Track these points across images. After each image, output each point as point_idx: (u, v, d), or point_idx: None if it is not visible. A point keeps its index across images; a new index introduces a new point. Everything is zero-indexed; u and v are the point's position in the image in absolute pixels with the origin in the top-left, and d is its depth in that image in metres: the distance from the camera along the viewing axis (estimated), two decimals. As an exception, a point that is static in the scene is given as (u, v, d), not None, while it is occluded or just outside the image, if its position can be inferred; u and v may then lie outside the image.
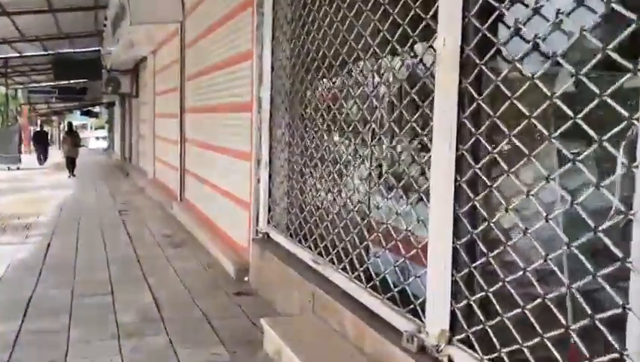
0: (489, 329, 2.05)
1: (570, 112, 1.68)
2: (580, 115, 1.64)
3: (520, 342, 1.91)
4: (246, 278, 4.81)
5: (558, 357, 1.77)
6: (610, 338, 1.60)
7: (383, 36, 2.77)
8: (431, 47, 2.42)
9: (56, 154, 23.57)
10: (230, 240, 5.64)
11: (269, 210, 4.51)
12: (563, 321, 1.74)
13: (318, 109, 3.68)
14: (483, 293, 2.09)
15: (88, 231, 7.29)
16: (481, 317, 2.10)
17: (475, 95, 2.12)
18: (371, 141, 3.07)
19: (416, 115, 2.52)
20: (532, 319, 1.86)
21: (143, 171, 13.70)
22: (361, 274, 2.99)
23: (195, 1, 7.40)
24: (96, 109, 34.09)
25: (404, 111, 2.65)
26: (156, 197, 10.16)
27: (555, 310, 1.77)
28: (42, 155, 22.08)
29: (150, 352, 3.34)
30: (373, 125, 3.02)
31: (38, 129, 25.64)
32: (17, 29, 12.35)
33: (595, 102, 1.59)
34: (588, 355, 1.65)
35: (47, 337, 3.57)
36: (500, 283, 1.99)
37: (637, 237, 1.51)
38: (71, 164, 16.48)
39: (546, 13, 1.89)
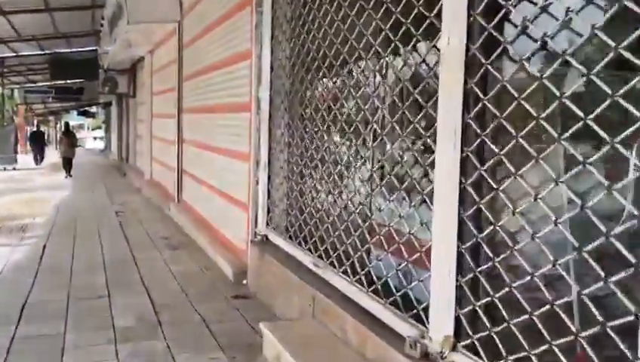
0: (495, 336, 2.00)
1: (580, 113, 1.62)
2: (591, 116, 1.58)
3: (527, 348, 1.86)
4: (244, 281, 4.75)
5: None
6: (622, 346, 1.54)
7: (385, 35, 2.72)
8: (434, 46, 2.37)
9: (52, 155, 23.45)
10: (228, 243, 5.59)
11: (268, 212, 4.45)
12: (573, 329, 1.69)
13: (318, 110, 3.62)
14: (489, 299, 2.03)
15: (85, 233, 7.22)
16: (487, 323, 2.04)
17: (481, 95, 2.07)
18: (373, 142, 3.02)
19: (420, 115, 2.46)
20: (540, 325, 1.81)
21: (140, 172, 13.63)
22: (363, 278, 2.93)
23: (192, 1, 7.34)
24: (93, 109, 34.03)
25: (406, 112, 2.59)
26: (153, 198, 10.10)
27: (564, 317, 1.72)
28: (39, 156, 22.00)
29: (147, 357, 3.28)
30: (375, 126, 2.97)
31: (35, 129, 25.52)
32: (14, 29, 12.27)
33: (607, 102, 1.53)
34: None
35: (43, 342, 3.51)
36: (507, 289, 1.94)
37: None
38: (67, 164, 16.41)
39: (554, 12, 1.85)
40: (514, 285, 1.91)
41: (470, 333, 2.12)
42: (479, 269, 2.09)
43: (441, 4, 2.26)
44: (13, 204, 10.04)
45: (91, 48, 15.71)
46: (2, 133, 20.70)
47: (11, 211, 9.12)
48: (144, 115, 12.82)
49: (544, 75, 1.76)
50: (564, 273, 1.75)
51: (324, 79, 3.67)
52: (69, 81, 19.94)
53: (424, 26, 2.41)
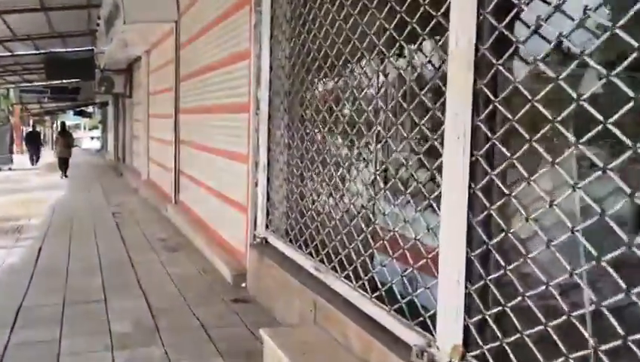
0: (506, 346, 1.93)
1: (599, 116, 1.55)
2: (611, 120, 1.52)
3: (541, 360, 1.79)
4: (243, 284, 4.67)
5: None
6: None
7: (390, 35, 2.64)
8: (441, 46, 2.30)
9: (48, 155, 23.34)
10: (227, 245, 5.51)
11: (268, 215, 4.37)
12: (591, 342, 1.62)
13: (319, 111, 3.55)
14: (500, 308, 1.96)
15: (81, 234, 7.13)
16: (498, 333, 1.97)
17: (492, 97, 2.00)
18: (376, 144, 2.95)
19: (426, 117, 2.39)
20: (555, 337, 1.74)
21: (136, 172, 13.53)
22: (366, 283, 2.86)
23: (190, 0, 7.25)
24: (90, 109, 33.83)
25: (412, 113, 2.52)
26: (150, 198, 10.02)
27: (581, 329, 1.65)
28: (34, 156, 21.88)
29: (145, 364, 3.21)
30: (379, 127, 2.89)
31: (31, 129, 25.39)
32: (9, 28, 12.14)
33: (631, 104, 1.46)
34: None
35: (38, 349, 3.43)
36: (520, 298, 1.87)
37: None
38: (64, 164, 16.30)
39: (569, 10, 1.78)
40: (527, 294, 1.84)
41: (480, 343, 2.05)
42: (490, 277, 2.02)
43: (449, 3, 2.19)
44: (9, 205, 9.94)
45: (87, 48, 15.58)
46: (-2, 133, 20.60)
47: (6, 212, 9.02)
48: (141, 115, 12.72)
49: (560, 76, 1.69)
50: (580, 282, 1.68)
51: (325, 79, 3.59)
52: (65, 81, 19.80)
53: (431, 25, 2.34)
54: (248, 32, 4.73)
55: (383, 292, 2.69)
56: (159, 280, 5.00)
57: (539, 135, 1.78)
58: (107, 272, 5.22)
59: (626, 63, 1.48)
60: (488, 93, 2.01)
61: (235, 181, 5.20)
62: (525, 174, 1.85)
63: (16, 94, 25.92)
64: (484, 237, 2.05)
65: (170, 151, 8.48)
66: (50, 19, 11.83)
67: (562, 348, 1.71)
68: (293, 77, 4.02)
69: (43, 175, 16.86)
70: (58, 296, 4.45)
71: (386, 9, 2.68)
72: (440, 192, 2.25)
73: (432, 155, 2.40)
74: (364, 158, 3.15)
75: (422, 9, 2.40)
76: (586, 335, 1.64)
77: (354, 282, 2.97)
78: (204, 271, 5.28)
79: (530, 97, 1.81)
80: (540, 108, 1.77)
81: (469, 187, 2.08)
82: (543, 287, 1.80)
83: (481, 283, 2.06)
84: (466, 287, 2.11)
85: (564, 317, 1.70)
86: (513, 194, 1.91)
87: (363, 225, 2.98)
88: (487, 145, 2.03)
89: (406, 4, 2.53)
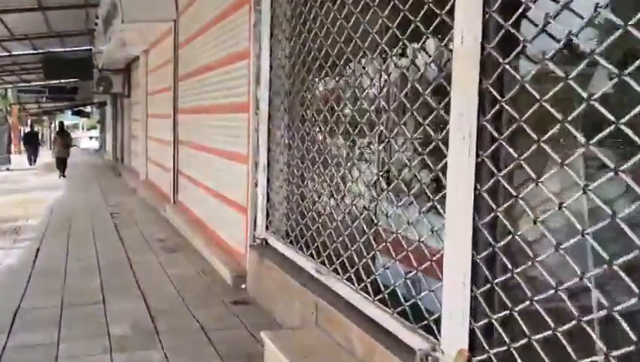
0: (514, 351, 1.89)
1: (611, 117, 1.52)
2: (623, 120, 1.48)
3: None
4: (243, 286, 4.63)
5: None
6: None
7: (393, 34, 2.60)
8: (446, 45, 2.26)
9: (46, 155, 23.26)
10: (226, 246, 5.47)
11: (268, 216, 4.33)
12: (603, 348, 1.58)
13: (320, 111, 3.50)
14: (507, 311, 1.92)
15: (79, 235, 7.08)
16: (505, 338, 1.94)
17: (498, 96, 1.96)
18: (379, 144, 2.91)
19: (430, 117, 2.35)
20: (564, 342, 1.70)
21: (135, 172, 13.48)
22: (368, 286, 2.82)
23: (188, -1, 7.22)
24: (88, 109, 33.75)
25: (415, 113, 2.48)
26: (149, 199, 9.97)
27: (592, 334, 1.61)
28: (32, 156, 21.81)
29: (144, 368, 3.17)
30: (382, 128, 2.85)
31: (29, 129, 25.33)
32: (6, 28, 12.08)
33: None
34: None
35: (35, 352, 3.38)
36: (528, 302, 1.83)
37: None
38: (62, 164, 16.25)
39: (577, 8, 1.74)
40: (536, 298, 1.80)
41: (486, 347, 2.01)
42: (496, 280, 1.98)
43: (454, 1, 2.15)
44: (7, 206, 9.88)
45: (85, 48, 15.51)
46: (-4, 133, 20.54)
47: (4, 213, 8.96)
48: (139, 115, 12.67)
49: (570, 76, 1.65)
50: (590, 286, 1.64)
51: (326, 79, 3.55)
52: (62, 81, 19.71)
53: (435, 23, 2.30)
54: (248, 32, 4.69)
55: (386, 295, 2.65)
56: (158, 281, 4.95)
57: (547, 135, 1.73)
58: (105, 273, 5.18)
59: (638, 62, 1.44)
60: (494, 92, 1.97)
61: (235, 181, 5.16)
62: (533, 175, 1.81)
63: (14, 94, 25.84)
64: (491, 239, 2.01)
65: (169, 151, 8.43)
66: (48, 18, 11.76)
67: (572, 354, 1.67)
68: (293, 76, 3.98)
69: (41, 175, 16.80)
70: (56, 298, 4.40)
71: (389, 7, 2.64)
72: (444, 193, 2.21)
73: (434, 156, 2.36)
74: (366, 159, 3.11)
75: (426, 7, 2.36)
76: (597, 341, 1.60)
77: (356, 284, 2.93)
78: (204, 272, 5.24)
79: (538, 97, 1.77)
80: (549, 108, 1.73)
81: (475, 188, 2.04)
82: (552, 291, 1.76)
83: (488, 286, 2.02)
84: (472, 290, 2.07)
85: (573, 322, 1.66)
86: (521, 196, 1.87)
87: (365, 227, 2.94)
88: (494, 146, 1.99)
89: (409, 2, 2.49)
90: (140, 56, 12.06)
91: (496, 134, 1.98)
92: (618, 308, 1.52)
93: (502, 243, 1.97)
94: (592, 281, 1.78)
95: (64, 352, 3.36)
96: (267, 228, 4.33)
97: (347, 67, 3.25)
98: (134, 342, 3.51)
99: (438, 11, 2.27)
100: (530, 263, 1.82)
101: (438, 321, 2.25)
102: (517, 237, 1.89)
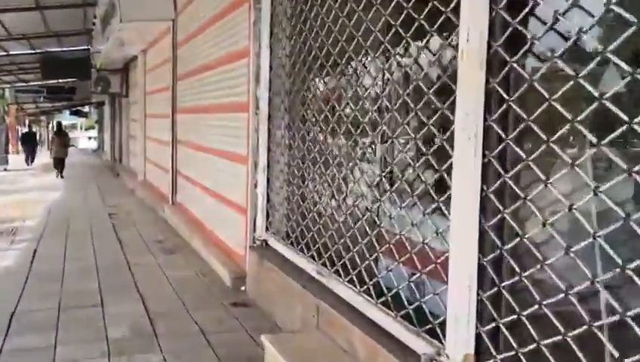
0: (522, 356, 1.85)
1: (624, 116, 1.47)
2: (637, 120, 1.43)
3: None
4: (243, 287, 4.58)
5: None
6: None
7: (396, 32, 2.56)
8: (450, 43, 2.22)
9: (44, 155, 23.19)
10: (225, 247, 5.42)
11: (267, 216, 4.28)
12: (615, 353, 1.54)
13: (321, 110, 3.46)
14: (514, 316, 1.88)
15: (77, 236, 7.03)
16: (513, 342, 1.89)
17: (505, 96, 1.91)
18: (382, 144, 2.86)
19: (435, 117, 2.31)
20: (575, 347, 1.65)
21: (133, 172, 13.42)
22: (371, 288, 2.77)
23: (187, -2, 7.17)
24: (86, 109, 33.67)
25: (419, 113, 2.44)
26: (147, 199, 9.92)
27: (604, 340, 1.57)
28: (30, 156, 21.74)
29: (143, 372, 3.12)
30: (384, 127, 2.81)
31: (26, 129, 25.25)
32: (4, 27, 12.03)
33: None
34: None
35: (32, 356, 3.33)
36: (536, 306, 1.79)
37: None
38: (59, 164, 16.19)
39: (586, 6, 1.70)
40: (544, 302, 1.75)
41: (493, 352, 1.96)
42: (503, 284, 1.94)
43: (459, -1, 2.10)
44: (4, 206, 9.81)
45: (83, 47, 15.47)
46: (-7, 133, 20.47)
47: (1, 213, 8.90)
48: (137, 115, 12.62)
49: (580, 74, 1.60)
50: (601, 289, 1.60)
51: (327, 78, 3.51)
52: (60, 81, 19.65)
53: (439, 21, 2.25)
54: (247, 30, 4.64)
55: (389, 298, 2.61)
56: (157, 283, 4.90)
57: (557, 135, 1.69)
58: (104, 275, 5.13)
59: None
60: (501, 91, 1.93)
61: (234, 182, 5.11)
62: (542, 176, 1.76)
63: (12, 94, 25.74)
64: (497, 241, 1.96)
65: (168, 151, 8.38)
66: (46, 18, 11.72)
67: (583, 359, 1.63)
68: (294, 75, 3.93)
69: (39, 175, 16.73)
70: (53, 300, 4.35)
71: (392, 5, 2.59)
72: (449, 195, 2.16)
73: (438, 156, 2.32)
74: (368, 159, 3.06)
75: (430, 4, 2.31)
76: (608, 345, 1.56)
77: (358, 286, 2.89)
78: (203, 273, 5.19)
79: (547, 96, 1.73)
80: (559, 107, 1.69)
81: (482, 190, 2.00)
82: (562, 295, 1.72)
83: (494, 289, 1.98)
84: (478, 294, 2.02)
85: (584, 327, 1.62)
86: (529, 197, 1.83)
87: (367, 228, 2.90)
88: (501, 146, 1.95)
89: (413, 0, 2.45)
90: (138, 56, 12.01)
91: (503, 134, 1.93)
92: (630, 313, 1.47)
93: (509, 245, 1.92)
94: (602, 285, 1.74)
95: (61, 356, 3.31)
96: (267, 229, 4.28)
97: (349, 66, 3.21)
98: (133, 345, 3.46)
99: (442, 9, 2.23)
100: (539, 266, 1.77)
101: (443, 325, 2.20)
102: (525, 239, 1.84)
